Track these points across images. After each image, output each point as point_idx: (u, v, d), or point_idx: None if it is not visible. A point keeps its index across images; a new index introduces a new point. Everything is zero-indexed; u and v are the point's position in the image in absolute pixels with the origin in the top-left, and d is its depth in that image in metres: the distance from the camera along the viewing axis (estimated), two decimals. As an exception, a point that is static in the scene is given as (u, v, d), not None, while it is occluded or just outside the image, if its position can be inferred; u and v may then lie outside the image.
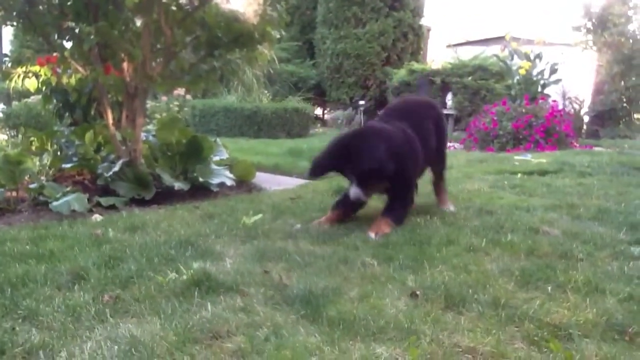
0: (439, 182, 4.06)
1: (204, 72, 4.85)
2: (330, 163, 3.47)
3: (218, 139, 5.87)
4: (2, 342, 1.84)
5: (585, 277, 2.44)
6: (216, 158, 5.28)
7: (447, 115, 13.43)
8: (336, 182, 4.73)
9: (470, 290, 2.28)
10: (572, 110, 12.15)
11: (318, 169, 3.53)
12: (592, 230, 3.28)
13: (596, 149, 8.83)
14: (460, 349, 1.84)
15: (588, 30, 12.53)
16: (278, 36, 4.95)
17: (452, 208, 3.87)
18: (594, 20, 12.30)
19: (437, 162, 4.01)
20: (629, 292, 2.30)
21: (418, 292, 2.27)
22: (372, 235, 3.19)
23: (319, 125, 14.71)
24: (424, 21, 15.63)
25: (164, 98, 11.68)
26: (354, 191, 3.35)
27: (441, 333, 1.93)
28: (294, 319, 2.03)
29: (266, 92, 12.75)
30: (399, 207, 3.50)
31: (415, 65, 14.09)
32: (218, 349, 1.81)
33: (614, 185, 4.78)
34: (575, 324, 1.99)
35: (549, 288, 2.35)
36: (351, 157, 3.35)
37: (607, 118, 12.29)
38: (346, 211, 3.62)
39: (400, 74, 14.01)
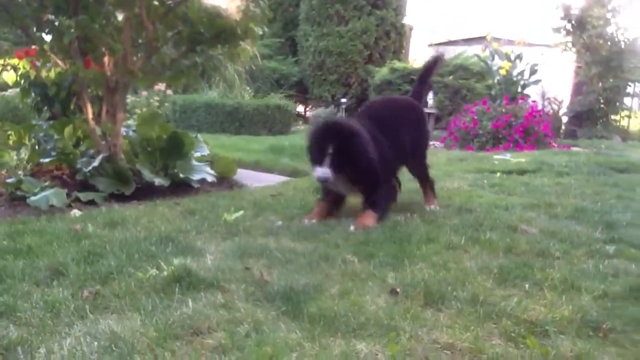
0: (422, 182, 4.10)
1: (185, 67, 4.81)
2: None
3: (199, 135, 5.84)
4: (-21, 338, 1.82)
5: (562, 275, 2.49)
6: (197, 154, 5.26)
7: (429, 114, 13.51)
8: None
9: (449, 288, 2.31)
10: (551, 110, 12.32)
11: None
12: (569, 228, 3.34)
13: (574, 149, 8.96)
14: (439, 345, 1.86)
15: (567, 32, 12.69)
16: (261, 33, 4.94)
17: (433, 207, 3.90)
18: (573, 22, 12.46)
19: (415, 163, 4.05)
20: (604, 289, 2.35)
21: (398, 289, 2.29)
22: (352, 227, 3.25)
23: (300, 122, 14.70)
24: (406, 20, 15.69)
25: (145, 93, 11.57)
26: (322, 171, 3.36)
27: (420, 329, 1.95)
28: (274, 315, 2.04)
29: (248, 88, 12.70)
30: (375, 205, 3.52)
31: (397, 64, 14.14)
32: (199, 345, 1.81)
33: (591, 185, 4.86)
34: (551, 321, 2.03)
35: (527, 285, 2.39)
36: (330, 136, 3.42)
37: (585, 119, 12.46)
38: (332, 206, 3.65)
39: (382, 73, 14.05)
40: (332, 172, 3.35)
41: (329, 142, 3.38)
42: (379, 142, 3.60)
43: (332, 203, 3.66)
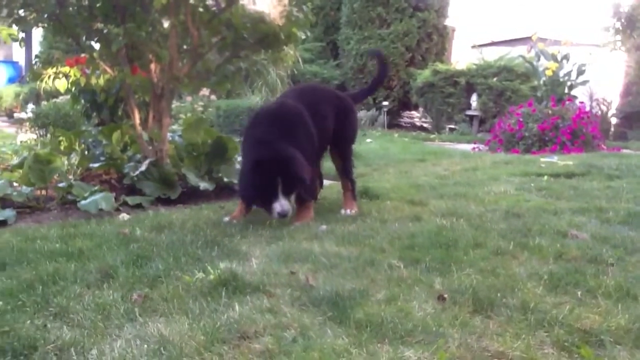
0: (343, 180, 4.09)
1: (229, 72, 4.88)
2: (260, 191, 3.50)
3: (242, 140, 5.90)
4: (35, 338, 1.87)
5: (616, 282, 2.40)
6: (240, 158, 5.31)
7: (472, 117, 13.34)
8: (360, 183, 4.72)
9: (498, 294, 2.26)
10: (600, 112, 11.98)
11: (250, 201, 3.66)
12: (622, 234, 3.22)
13: (624, 151, 8.68)
14: (490, 353, 1.82)
15: (617, 31, 12.34)
16: (303, 37, 4.96)
17: (349, 212, 3.85)
18: (623, 21, 12.12)
19: (338, 155, 4.09)
20: (662, 298, 2.26)
21: (445, 296, 2.25)
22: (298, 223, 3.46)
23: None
24: (448, 22, 15.54)
25: (189, 98, 11.79)
26: (285, 206, 3.42)
27: (469, 337, 1.91)
28: (320, 321, 2.03)
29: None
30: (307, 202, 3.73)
31: (440, 66, 14.01)
32: (246, 350, 1.82)
33: (644, 189, 4.69)
34: (606, 330, 1.96)
35: (579, 293, 2.31)
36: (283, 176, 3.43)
37: (636, 120, 12.08)
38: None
39: (424, 75, 13.94)
40: (287, 203, 3.43)
41: (279, 176, 3.41)
42: (308, 125, 3.69)
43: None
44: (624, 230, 3.32)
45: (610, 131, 12.04)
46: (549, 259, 2.77)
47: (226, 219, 3.64)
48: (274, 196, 3.40)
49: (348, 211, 3.86)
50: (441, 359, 1.74)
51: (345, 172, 4.06)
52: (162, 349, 1.81)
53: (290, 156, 3.46)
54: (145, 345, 1.84)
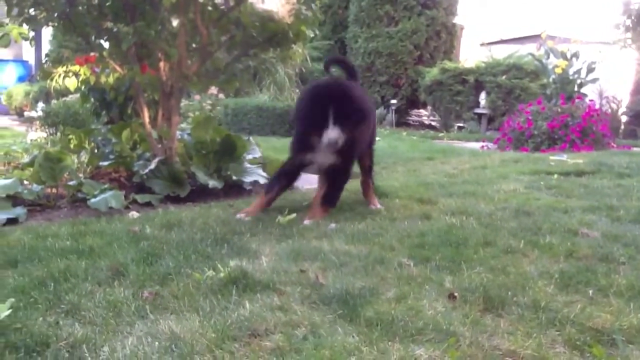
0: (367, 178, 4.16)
1: (238, 71, 4.89)
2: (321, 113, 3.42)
3: (251, 138, 5.90)
4: (47, 335, 1.88)
5: (628, 281, 2.39)
6: (249, 157, 5.31)
7: (480, 115, 13.30)
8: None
9: (509, 293, 2.25)
10: (610, 110, 11.92)
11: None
12: (634, 232, 3.20)
13: (635, 149, 8.63)
14: (501, 352, 1.81)
15: (627, 28, 12.27)
16: (312, 35, 4.96)
17: (380, 206, 3.91)
18: (633, 18, 12.03)
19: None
20: (674, 297, 2.24)
21: (456, 294, 2.24)
22: (307, 222, 3.40)
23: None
24: (457, 19, 15.50)
25: (197, 97, 11.81)
26: (333, 132, 3.35)
27: (481, 335, 1.91)
28: (331, 319, 2.03)
29: (298, 91, 12.78)
30: (337, 189, 3.72)
31: (448, 64, 13.99)
32: (257, 347, 1.82)
33: (655, 187, 4.66)
34: (618, 329, 1.95)
35: (590, 291, 2.30)
36: (339, 101, 3.39)
37: (646, 118, 12.00)
38: (279, 191, 3.82)
39: (432, 73, 13.92)
40: (341, 133, 3.37)
41: (333, 103, 3.37)
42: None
43: (285, 185, 3.87)
44: (635, 229, 3.30)
45: (620, 129, 11.97)
46: (559, 258, 2.76)
47: (240, 215, 3.62)
48: (327, 123, 3.36)
49: (378, 206, 3.96)
50: (452, 357, 1.74)
51: (371, 172, 4.18)
52: (173, 346, 1.82)
53: (348, 85, 3.48)
54: (157, 343, 1.85)
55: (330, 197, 3.71)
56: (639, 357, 1.78)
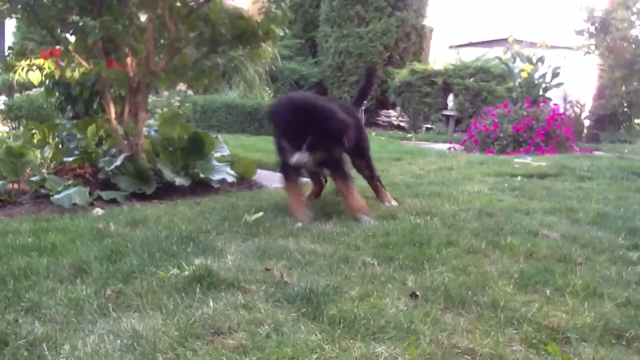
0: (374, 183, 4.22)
1: (207, 68, 4.86)
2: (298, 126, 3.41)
3: (219, 135, 5.88)
4: (6, 333, 1.85)
5: (584, 281, 2.46)
6: (217, 154, 5.29)
7: (448, 117, 13.47)
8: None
9: (469, 292, 2.30)
10: (573, 114, 12.20)
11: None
12: (591, 234, 3.29)
13: (596, 153, 8.84)
14: (459, 350, 1.85)
15: (591, 34, 12.58)
16: (282, 34, 4.96)
17: (394, 203, 3.99)
18: (596, 25, 12.35)
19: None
20: (627, 296, 2.32)
21: (418, 293, 2.28)
22: (366, 218, 3.47)
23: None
24: (426, 21, 15.65)
25: (166, 93, 11.68)
26: (300, 156, 3.36)
27: (440, 334, 1.95)
28: (294, 317, 2.05)
29: (268, 89, 12.76)
30: (347, 178, 3.70)
31: (417, 66, 14.12)
32: (220, 345, 1.83)
33: (613, 190, 4.79)
34: (573, 328, 2.01)
35: (548, 291, 2.37)
36: (315, 118, 3.37)
37: (608, 122, 12.33)
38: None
39: (402, 74, 14.03)
40: (308, 155, 3.38)
41: (307, 125, 3.36)
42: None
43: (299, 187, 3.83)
44: (592, 230, 3.40)
45: (583, 133, 12.26)
46: (519, 258, 2.82)
47: (298, 224, 3.40)
48: (299, 146, 3.36)
49: (393, 202, 4.03)
50: (412, 355, 1.77)
51: (375, 176, 4.22)
52: (135, 344, 1.81)
53: (323, 105, 3.48)
54: (119, 341, 1.84)
55: (347, 185, 3.69)
56: (591, 354, 1.84)
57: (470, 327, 2.01)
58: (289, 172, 3.72)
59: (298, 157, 3.37)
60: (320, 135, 3.37)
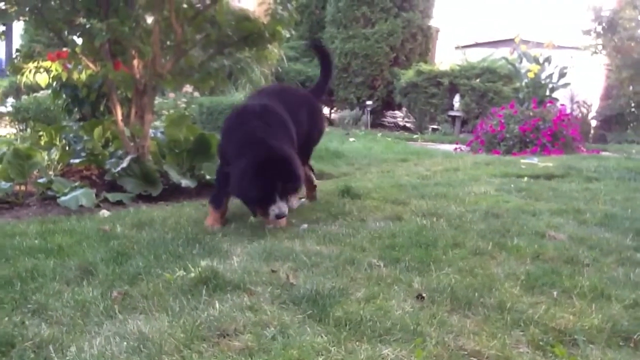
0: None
1: (213, 70, 4.87)
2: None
3: (225, 137, 5.87)
4: (13, 335, 1.86)
5: (591, 283, 2.45)
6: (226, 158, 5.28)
7: (454, 117, 13.44)
8: (343, 182, 4.75)
9: (476, 294, 2.29)
10: (580, 114, 12.14)
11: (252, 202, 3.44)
12: (599, 235, 3.28)
13: (603, 153, 8.80)
14: (466, 352, 1.85)
15: (598, 34, 12.51)
16: (288, 35, 4.96)
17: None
18: (604, 24, 12.28)
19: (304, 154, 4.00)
20: (635, 298, 2.30)
21: (424, 295, 2.28)
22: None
23: (326, 124, 14.72)
24: (433, 22, 15.61)
25: (172, 95, 11.71)
26: (284, 208, 3.31)
27: (447, 335, 1.94)
28: (300, 319, 2.05)
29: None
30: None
31: (423, 67, 14.09)
32: (225, 347, 1.83)
33: (621, 191, 4.77)
34: (580, 330, 2.00)
35: (555, 293, 2.36)
36: (286, 174, 3.34)
37: (615, 123, 12.27)
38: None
39: (408, 75, 14.01)
40: (285, 204, 3.33)
41: (281, 179, 3.31)
42: (290, 126, 3.63)
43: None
44: (600, 232, 3.38)
45: (590, 133, 12.20)
46: (526, 260, 2.81)
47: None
48: (272, 198, 3.29)
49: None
50: (418, 357, 1.77)
51: (308, 165, 4.13)
52: (141, 346, 1.81)
53: (289, 156, 3.41)
54: (125, 343, 1.84)
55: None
56: (598, 357, 1.83)
57: (477, 329, 2.01)
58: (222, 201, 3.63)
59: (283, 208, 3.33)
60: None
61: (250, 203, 3.43)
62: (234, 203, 4.08)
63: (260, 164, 3.30)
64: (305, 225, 3.39)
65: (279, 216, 3.30)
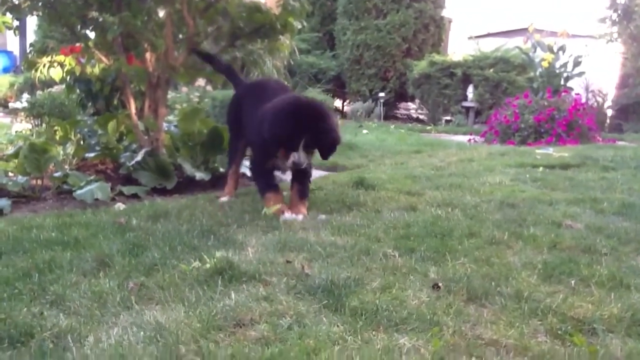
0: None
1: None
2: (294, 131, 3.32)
3: (238, 130, 5.88)
4: (31, 325, 1.88)
5: (610, 272, 2.42)
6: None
7: (468, 108, 13.35)
8: (356, 174, 4.74)
9: (492, 283, 2.28)
10: (595, 103, 12.01)
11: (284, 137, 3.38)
12: (616, 224, 3.24)
13: (619, 143, 8.70)
14: (483, 341, 1.83)
15: (613, 22, 12.34)
16: (299, 27, 4.94)
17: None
18: (619, 12, 12.11)
19: None
20: (654, 287, 2.27)
21: (440, 284, 2.26)
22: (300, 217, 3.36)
23: (338, 117, 14.68)
24: (445, 12, 15.49)
25: (185, 89, 11.74)
26: (304, 159, 3.36)
27: (464, 325, 1.93)
28: (316, 309, 2.04)
29: (286, 83, 12.74)
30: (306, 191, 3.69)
31: (436, 57, 13.99)
32: (242, 337, 1.83)
33: (638, 180, 4.71)
34: (599, 319, 1.98)
35: (573, 282, 2.34)
36: (314, 127, 3.33)
37: (631, 112, 12.11)
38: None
39: (420, 66, 13.92)
40: (305, 156, 3.37)
41: (307, 129, 3.31)
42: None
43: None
44: (617, 221, 3.34)
45: (605, 123, 12.06)
46: (543, 249, 2.79)
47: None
48: (298, 143, 3.29)
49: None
50: (435, 346, 1.76)
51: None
52: (158, 336, 1.82)
53: (329, 113, 3.43)
54: (142, 333, 1.85)
55: (304, 191, 3.66)
56: (618, 346, 1.81)
57: (494, 318, 1.99)
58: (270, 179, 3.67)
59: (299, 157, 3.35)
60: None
61: (273, 143, 3.39)
62: (250, 195, 4.10)
63: (299, 106, 3.38)
64: (324, 216, 3.38)
65: (296, 164, 3.33)
